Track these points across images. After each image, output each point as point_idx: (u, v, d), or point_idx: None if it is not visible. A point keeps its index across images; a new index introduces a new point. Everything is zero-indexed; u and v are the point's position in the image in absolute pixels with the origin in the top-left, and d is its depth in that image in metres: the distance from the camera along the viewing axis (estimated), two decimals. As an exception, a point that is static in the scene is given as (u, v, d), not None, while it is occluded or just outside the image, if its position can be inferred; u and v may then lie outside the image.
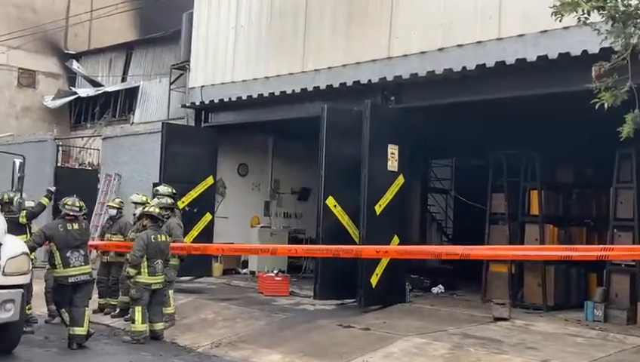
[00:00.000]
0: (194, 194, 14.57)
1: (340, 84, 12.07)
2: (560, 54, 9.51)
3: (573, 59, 9.46)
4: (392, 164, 11.21)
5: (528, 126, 12.30)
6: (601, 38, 7.31)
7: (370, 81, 11.66)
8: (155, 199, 10.55)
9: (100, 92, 22.02)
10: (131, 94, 21.09)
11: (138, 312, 9.16)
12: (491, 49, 10.64)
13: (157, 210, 9.44)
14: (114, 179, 17.14)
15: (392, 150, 11.21)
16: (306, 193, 17.10)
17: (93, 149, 20.13)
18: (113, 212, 11.36)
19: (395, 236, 11.19)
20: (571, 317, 10.52)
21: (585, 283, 11.87)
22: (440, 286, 13.47)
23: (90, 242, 9.98)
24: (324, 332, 9.39)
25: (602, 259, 6.02)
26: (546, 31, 10.12)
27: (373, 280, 10.83)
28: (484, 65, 10.28)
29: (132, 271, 9.09)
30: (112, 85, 22.17)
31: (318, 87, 12.44)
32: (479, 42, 10.76)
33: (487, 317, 10.36)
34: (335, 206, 11.27)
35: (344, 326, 9.60)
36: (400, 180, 11.35)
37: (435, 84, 11.08)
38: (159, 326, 9.55)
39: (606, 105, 6.20)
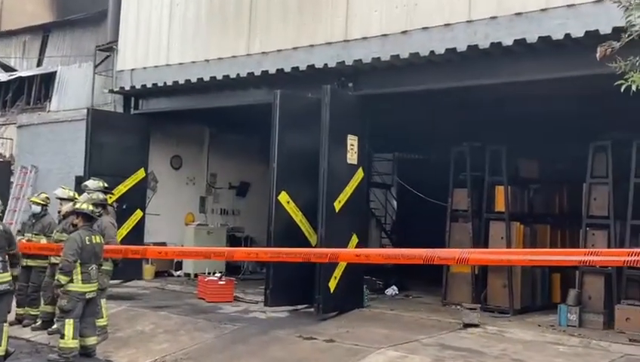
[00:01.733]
0: (123, 188, 13.28)
1: (292, 68, 10.96)
2: (540, 38, 8.75)
3: (554, 43, 8.73)
4: (352, 157, 10.24)
5: (491, 117, 11.62)
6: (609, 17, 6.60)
7: (326, 65, 10.61)
8: (85, 194, 9.18)
9: (12, 77, 20.06)
10: (48, 80, 19.27)
11: (69, 326, 7.81)
12: (460, 32, 9.82)
13: (90, 207, 8.10)
14: (30, 172, 15.47)
15: (352, 141, 10.24)
16: (245, 188, 15.93)
17: (5, 138, 18.23)
18: (37, 209, 9.87)
19: (354, 235, 10.27)
20: (543, 322, 9.86)
21: (549, 284, 11.32)
22: (394, 287, 12.69)
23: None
24: (283, 345, 8.31)
25: (631, 266, 5.23)
26: (520, 13, 9.42)
27: (332, 285, 9.83)
28: (454, 49, 9.43)
29: (63, 279, 7.72)
30: (26, 70, 20.23)
31: (267, 71, 11.29)
32: (447, 25, 9.91)
33: (456, 322, 9.56)
34: (288, 202, 10.21)
35: (305, 337, 8.56)
36: (360, 174, 10.40)
37: (399, 70, 10.15)
38: (92, 340, 8.23)
39: (634, 88, 5.40)
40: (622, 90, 5.48)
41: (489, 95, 10.32)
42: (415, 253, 5.78)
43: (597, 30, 8.21)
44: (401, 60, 9.90)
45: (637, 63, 5.54)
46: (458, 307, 10.94)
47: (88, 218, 8.03)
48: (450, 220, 11.31)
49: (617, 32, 7.39)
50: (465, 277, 11.07)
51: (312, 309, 9.94)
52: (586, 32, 8.35)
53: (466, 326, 9.32)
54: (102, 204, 9.12)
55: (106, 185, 9.90)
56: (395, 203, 19.03)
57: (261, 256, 6.92)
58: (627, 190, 9.64)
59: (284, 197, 10.13)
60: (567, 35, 8.54)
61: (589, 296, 9.75)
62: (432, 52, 9.59)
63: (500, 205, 10.78)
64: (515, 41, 8.96)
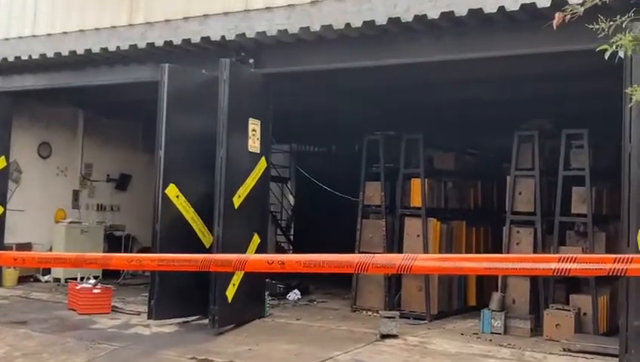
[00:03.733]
0: (-22, 180, 11.29)
1: (183, 40, 9.41)
2: (470, 11, 7.71)
3: (485, 18, 7.73)
4: (254, 144, 8.88)
5: (404, 104, 10.66)
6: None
7: (223, 38, 9.15)
8: None
9: None
10: None
11: None
12: (378, 4, 8.58)
13: None
14: None
15: (254, 126, 8.88)
16: (126, 180, 14.15)
17: None
18: None
19: (256, 235, 8.94)
20: (465, 329, 8.94)
21: (464, 286, 10.46)
22: (296, 291, 11.47)
23: None
24: (173, 370, 6.84)
25: (617, 276, 4.25)
26: (446, -17, 8.36)
27: (230, 293, 8.44)
28: (372, 22, 8.24)
29: None
30: None
31: (153, 44, 9.67)
32: (364, -5, 8.72)
33: (371, 332, 8.46)
34: (178, 196, 8.73)
35: (199, 359, 7.11)
36: (262, 164, 9.07)
37: (308, 45, 8.85)
38: None
39: (621, 54, 4.37)
40: (606, 57, 4.44)
41: (408, 76, 9.27)
42: (345, 260, 4.52)
43: (534, 3, 7.29)
44: (312, 34, 8.60)
45: (623, 24, 4.51)
46: (369, 313, 9.88)
47: None
48: (362, 217, 10.17)
49: (556, 6, 6.55)
50: (377, 280, 9.99)
51: (206, 321, 8.52)
52: (522, 6, 7.40)
53: (384, 337, 8.22)
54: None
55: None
56: (291, 198, 17.83)
57: (146, 264, 5.44)
58: (555, 184, 8.88)
59: (172, 191, 8.64)
60: (501, 9, 7.54)
61: (513, 299, 8.92)
62: (347, 25, 8.36)
63: (417, 200, 9.77)
64: (442, 13, 7.86)
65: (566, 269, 4.35)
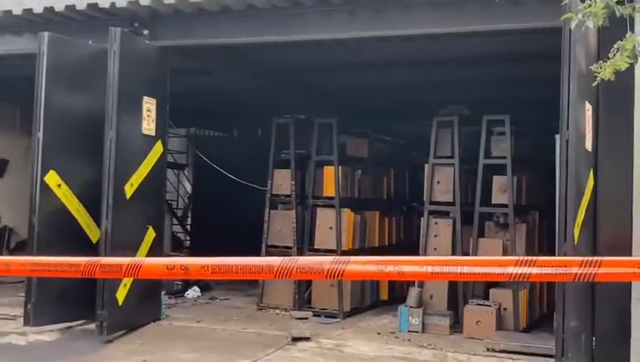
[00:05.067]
0: None
1: (67, 7, 8.20)
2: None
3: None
4: (149, 126, 7.88)
5: (316, 87, 9.93)
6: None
7: (113, 5, 8.02)
8: None
9: None
10: None
11: None
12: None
13: None
14: None
15: (149, 105, 7.88)
16: (2, 166, 12.66)
17: None
18: None
19: (151, 228, 7.96)
20: (381, 328, 8.36)
21: (376, 281, 9.87)
22: (195, 288, 10.51)
23: None
24: (51, 391, 5.82)
25: (583, 281, 3.69)
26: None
27: (120, 295, 7.46)
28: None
29: None
30: None
31: (31, 10, 8.41)
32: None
33: (281, 335, 7.71)
34: (59, 185, 7.63)
35: (84, 375, 6.13)
36: (158, 148, 8.08)
37: (211, 17, 7.90)
38: None
39: (590, 24, 3.73)
40: (572, 27, 3.82)
41: (322, 55, 8.55)
42: (264, 264, 3.66)
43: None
44: (215, 3, 7.64)
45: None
46: (278, 311, 9.12)
47: None
48: (270, 207, 9.36)
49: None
50: (285, 276, 9.21)
51: (93, 326, 7.50)
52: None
53: (295, 339, 7.48)
54: None
55: None
56: (189, 186, 16.72)
57: (14, 270, 4.37)
58: (475, 172, 8.40)
59: (53, 179, 7.53)
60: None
61: (430, 295, 8.40)
62: (256, -6, 7.50)
63: (330, 189, 9.06)
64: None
65: (525, 274, 3.70)
